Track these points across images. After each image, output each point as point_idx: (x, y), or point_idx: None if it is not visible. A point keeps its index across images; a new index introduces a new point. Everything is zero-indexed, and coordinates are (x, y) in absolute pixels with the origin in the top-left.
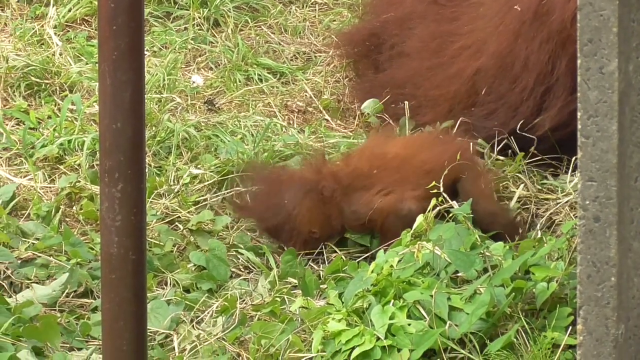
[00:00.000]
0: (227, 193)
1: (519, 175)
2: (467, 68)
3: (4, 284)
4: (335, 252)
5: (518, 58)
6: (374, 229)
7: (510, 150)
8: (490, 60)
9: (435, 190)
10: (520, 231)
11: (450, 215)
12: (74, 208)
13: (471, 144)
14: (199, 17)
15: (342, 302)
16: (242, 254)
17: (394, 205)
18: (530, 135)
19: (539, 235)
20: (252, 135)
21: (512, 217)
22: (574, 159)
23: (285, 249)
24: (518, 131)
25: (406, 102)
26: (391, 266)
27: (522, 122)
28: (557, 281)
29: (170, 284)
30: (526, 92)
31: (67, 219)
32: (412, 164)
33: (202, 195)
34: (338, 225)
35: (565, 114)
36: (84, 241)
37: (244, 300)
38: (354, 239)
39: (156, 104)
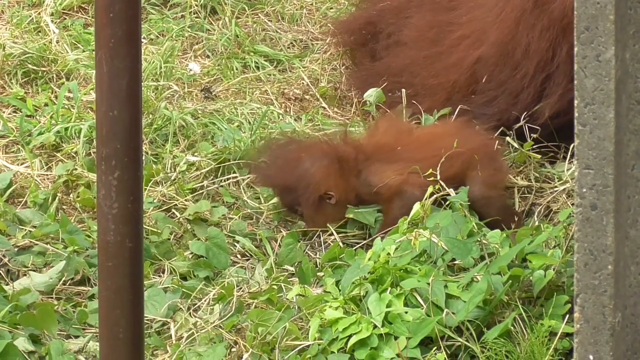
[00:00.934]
0: (225, 180)
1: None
2: (467, 57)
3: (1, 271)
4: (334, 239)
5: (519, 45)
6: (379, 204)
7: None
8: (491, 49)
9: (432, 178)
10: (516, 218)
11: (448, 203)
12: (71, 196)
13: (496, 139)
14: (196, 5)
15: (339, 290)
16: (238, 242)
17: (400, 186)
18: (534, 126)
19: (537, 224)
20: (249, 123)
21: (507, 203)
22: (571, 146)
23: (300, 211)
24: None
25: (403, 90)
26: (388, 254)
27: (522, 109)
28: (554, 269)
29: (167, 272)
30: (527, 79)
31: (64, 207)
32: (435, 146)
33: (199, 183)
34: (353, 193)
35: (565, 101)
36: (81, 229)
37: (241, 288)
38: (358, 217)
39: (153, 92)
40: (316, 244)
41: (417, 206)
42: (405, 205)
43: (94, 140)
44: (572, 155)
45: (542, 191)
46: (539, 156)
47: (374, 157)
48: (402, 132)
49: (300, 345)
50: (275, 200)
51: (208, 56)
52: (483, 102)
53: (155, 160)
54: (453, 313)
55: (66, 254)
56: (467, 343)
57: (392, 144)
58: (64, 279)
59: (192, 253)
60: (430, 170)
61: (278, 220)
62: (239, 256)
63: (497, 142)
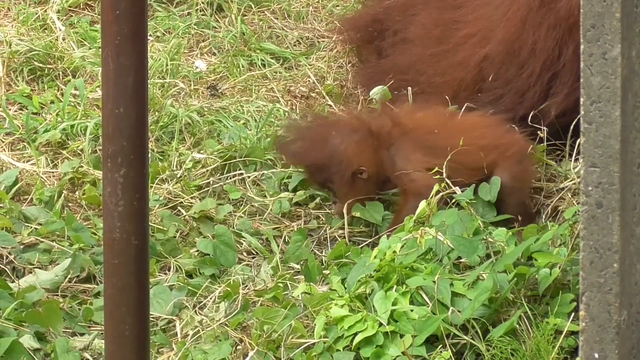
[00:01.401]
0: (230, 178)
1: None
2: (473, 55)
3: (6, 269)
4: (340, 235)
5: (525, 44)
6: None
7: None
8: (497, 47)
9: (438, 176)
10: (530, 218)
11: (454, 200)
12: (77, 193)
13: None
14: (202, 2)
15: (345, 288)
16: (244, 239)
17: (419, 183)
18: (540, 127)
19: (543, 222)
20: (255, 120)
21: (528, 201)
22: (577, 144)
23: (332, 192)
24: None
25: (409, 88)
26: (394, 252)
27: (528, 108)
28: (559, 267)
29: (173, 270)
30: (533, 78)
31: (69, 204)
32: (471, 135)
33: (205, 180)
34: (382, 167)
35: (572, 100)
36: (87, 226)
37: (246, 286)
38: (365, 216)
39: (159, 89)
40: (322, 238)
41: (423, 204)
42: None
43: (100, 137)
44: (577, 154)
45: (549, 190)
46: (553, 163)
47: (410, 134)
48: (443, 116)
49: (306, 343)
50: (282, 195)
51: (214, 54)
52: (489, 100)
53: (161, 157)
54: (459, 311)
55: (72, 252)
56: (472, 341)
57: (431, 125)
58: (69, 276)
59: (197, 250)
60: (437, 169)
61: (284, 214)
62: (245, 254)
63: (531, 144)
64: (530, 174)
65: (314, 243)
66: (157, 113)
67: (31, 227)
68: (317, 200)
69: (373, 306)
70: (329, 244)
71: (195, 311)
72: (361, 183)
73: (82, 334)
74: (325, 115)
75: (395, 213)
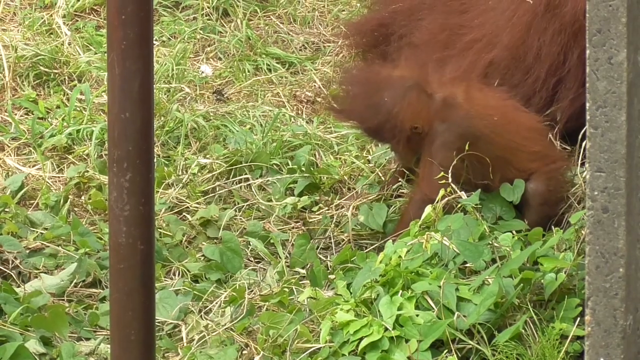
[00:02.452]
0: (236, 183)
1: None
2: (478, 60)
3: (12, 273)
4: (345, 240)
5: (530, 50)
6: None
7: None
8: (503, 52)
9: (444, 181)
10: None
11: (459, 205)
12: (83, 198)
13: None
14: (208, 7)
15: (351, 293)
16: (251, 244)
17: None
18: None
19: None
20: (261, 125)
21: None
22: (582, 149)
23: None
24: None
25: None
26: (399, 257)
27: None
28: (565, 272)
29: (179, 274)
30: (538, 83)
31: (75, 209)
32: (525, 136)
33: (211, 185)
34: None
35: (577, 105)
36: (93, 231)
37: (252, 291)
38: (368, 223)
39: (165, 94)
40: (325, 240)
41: (428, 209)
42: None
43: (106, 142)
44: (583, 159)
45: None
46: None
47: (464, 104)
48: (505, 105)
49: (312, 347)
50: (288, 200)
51: (220, 58)
52: None
53: (167, 162)
54: (464, 316)
55: (78, 256)
56: (478, 346)
57: (492, 112)
58: (75, 281)
59: (203, 255)
60: (442, 174)
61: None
62: (251, 259)
63: (569, 162)
64: (564, 191)
65: (319, 247)
66: (162, 118)
67: (37, 231)
68: (322, 204)
69: (378, 311)
70: (333, 248)
71: (201, 316)
72: (418, 139)
73: (87, 339)
74: (376, 68)
75: (401, 215)
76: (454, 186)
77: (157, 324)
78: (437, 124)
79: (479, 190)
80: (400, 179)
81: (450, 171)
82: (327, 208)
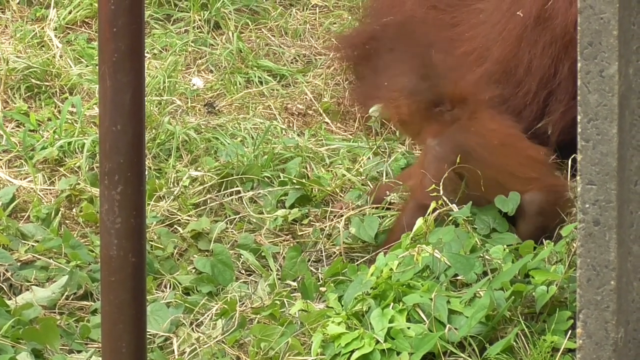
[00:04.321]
0: (228, 195)
1: None
2: (470, 73)
3: (3, 286)
4: (337, 253)
5: (521, 62)
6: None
7: None
8: (494, 66)
9: (435, 194)
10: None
11: (450, 218)
12: (74, 210)
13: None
14: (200, 20)
15: (342, 305)
16: (242, 255)
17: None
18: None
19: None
20: (252, 137)
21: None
22: (570, 161)
23: None
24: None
25: None
26: (391, 269)
27: (525, 126)
28: (556, 285)
29: (170, 287)
30: (529, 96)
31: (66, 222)
32: (518, 146)
33: (202, 198)
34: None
35: (568, 118)
36: (84, 243)
37: (243, 303)
38: (359, 234)
39: (156, 107)
40: (317, 253)
41: (419, 222)
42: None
43: (97, 154)
44: (575, 171)
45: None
46: None
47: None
48: (507, 134)
49: None
50: (279, 212)
51: (211, 71)
52: None
53: (158, 175)
54: (455, 329)
55: (69, 269)
56: (469, 359)
57: (489, 134)
58: (66, 293)
59: (195, 268)
60: (433, 186)
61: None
62: (242, 271)
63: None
64: (563, 205)
65: (310, 260)
66: (154, 130)
67: (28, 244)
68: (313, 217)
69: (370, 324)
70: (324, 261)
71: (193, 328)
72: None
73: (79, 352)
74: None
75: (395, 222)
76: (445, 198)
77: (148, 336)
78: (432, 137)
79: (470, 202)
80: (388, 192)
81: (442, 183)
82: (318, 222)
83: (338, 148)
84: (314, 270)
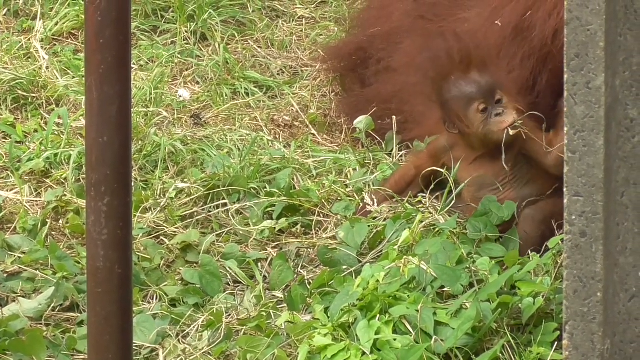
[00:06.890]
0: (214, 208)
1: None
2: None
3: None
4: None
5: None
6: None
7: None
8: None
9: (421, 206)
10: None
11: (437, 229)
12: (60, 222)
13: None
14: (186, 31)
15: (328, 317)
16: (229, 267)
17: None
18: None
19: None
20: (239, 149)
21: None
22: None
23: None
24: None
25: (394, 117)
26: (377, 281)
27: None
28: (543, 296)
29: (156, 298)
30: None
31: (53, 233)
32: None
33: (189, 210)
34: None
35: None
36: (70, 255)
37: (229, 315)
38: (347, 241)
39: (143, 118)
40: (305, 264)
41: (406, 233)
42: None
43: (84, 166)
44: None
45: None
46: None
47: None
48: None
49: None
50: (266, 223)
51: (198, 82)
52: None
53: (145, 186)
54: (442, 340)
55: (55, 280)
56: None
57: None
58: (53, 305)
59: (181, 279)
60: (420, 197)
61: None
62: (230, 283)
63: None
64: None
65: (298, 266)
66: (140, 142)
67: (15, 255)
68: (299, 226)
69: (356, 335)
70: (312, 270)
71: (179, 340)
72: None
73: None
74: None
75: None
76: (431, 210)
77: (134, 348)
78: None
79: (457, 214)
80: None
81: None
82: (305, 232)
83: (325, 159)
84: (302, 272)
